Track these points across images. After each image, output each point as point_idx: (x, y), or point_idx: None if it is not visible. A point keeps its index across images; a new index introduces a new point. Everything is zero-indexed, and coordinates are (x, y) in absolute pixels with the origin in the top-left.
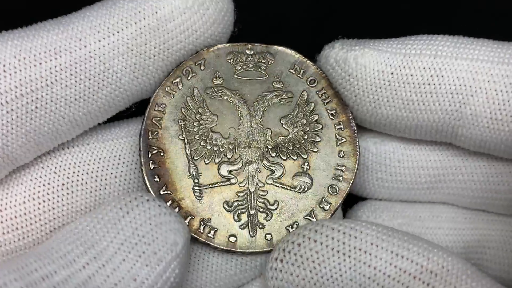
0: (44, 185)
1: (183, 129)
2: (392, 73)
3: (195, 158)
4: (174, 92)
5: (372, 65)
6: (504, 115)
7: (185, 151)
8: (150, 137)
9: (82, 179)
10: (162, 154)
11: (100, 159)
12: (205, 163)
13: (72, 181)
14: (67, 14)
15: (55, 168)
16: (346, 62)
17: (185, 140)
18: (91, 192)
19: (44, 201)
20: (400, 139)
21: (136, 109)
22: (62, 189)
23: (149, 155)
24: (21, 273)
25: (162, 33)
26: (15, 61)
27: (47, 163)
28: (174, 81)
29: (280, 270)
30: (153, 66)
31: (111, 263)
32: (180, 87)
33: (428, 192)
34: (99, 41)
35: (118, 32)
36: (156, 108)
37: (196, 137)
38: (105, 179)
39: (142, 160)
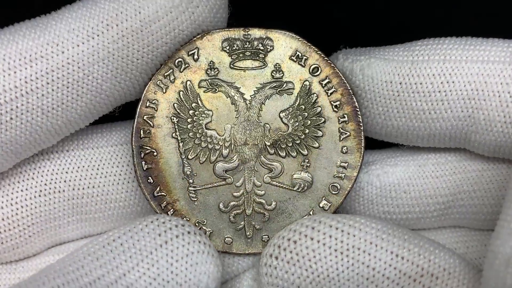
0: (22, 190)
1: (176, 127)
2: (400, 83)
3: (190, 158)
4: (166, 87)
5: (379, 76)
6: None
7: (179, 150)
8: (142, 136)
9: (60, 187)
10: (155, 154)
11: (79, 167)
12: (200, 162)
13: (50, 188)
14: (45, 14)
15: (33, 174)
16: (353, 73)
17: (179, 139)
18: (68, 200)
19: (22, 206)
20: (404, 169)
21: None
22: (40, 196)
23: (142, 155)
24: None
25: (145, 35)
26: None
27: (25, 168)
28: (166, 74)
29: (275, 267)
30: (136, 70)
31: None
32: (173, 81)
33: (438, 219)
34: (78, 46)
35: (98, 35)
36: (148, 105)
37: (190, 135)
38: (83, 188)
39: (135, 161)
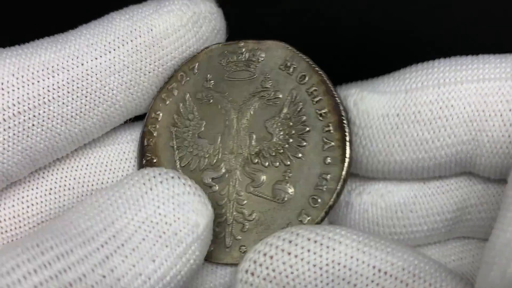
0: (32, 189)
1: (174, 136)
2: (398, 115)
3: (182, 165)
4: (169, 99)
5: (375, 110)
6: None
7: (174, 158)
8: (145, 144)
9: (69, 184)
10: (155, 161)
11: (87, 165)
12: (190, 170)
13: (60, 186)
14: (63, 32)
15: (43, 172)
16: (347, 109)
17: (175, 147)
18: (77, 197)
19: (32, 204)
20: (409, 187)
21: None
22: (50, 193)
23: (144, 162)
24: (34, 252)
25: (157, 49)
26: (13, 79)
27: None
28: (169, 88)
29: (250, 284)
30: (148, 82)
31: (130, 243)
32: (175, 93)
33: (445, 234)
34: (96, 59)
35: (114, 50)
36: (153, 116)
37: (184, 144)
38: (92, 185)
39: (138, 167)
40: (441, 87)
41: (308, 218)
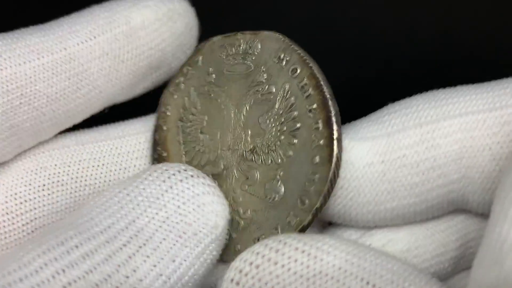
0: (25, 185)
1: (180, 131)
2: (383, 161)
3: (187, 161)
4: (176, 93)
5: (359, 159)
6: None
7: (181, 152)
8: (157, 138)
9: (63, 180)
10: (164, 155)
11: (80, 161)
12: (193, 165)
13: (53, 182)
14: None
15: (36, 169)
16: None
17: (181, 141)
18: (71, 193)
19: (25, 201)
20: (408, 232)
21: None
22: (43, 190)
23: (155, 156)
24: (60, 251)
25: (134, 39)
26: (1, 60)
27: (28, 165)
28: (176, 82)
29: None
30: (125, 70)
31: (151, 242)
32: (182, 87)
33: (452, 270)
34: (78, 44)
35: (95, 37)
36: (163, 110)
37: (189, 139)
38: (85, 180)
39: (151, 161)
40: (423, 126)
41: (297, 219)
